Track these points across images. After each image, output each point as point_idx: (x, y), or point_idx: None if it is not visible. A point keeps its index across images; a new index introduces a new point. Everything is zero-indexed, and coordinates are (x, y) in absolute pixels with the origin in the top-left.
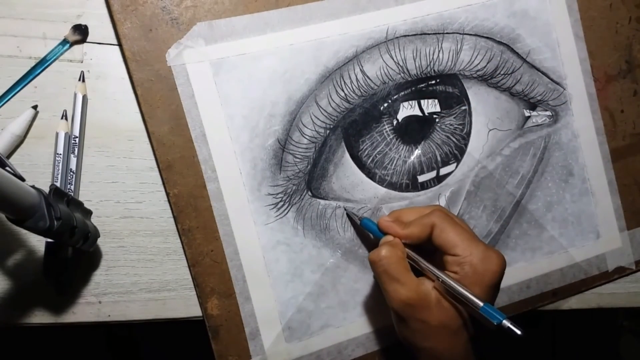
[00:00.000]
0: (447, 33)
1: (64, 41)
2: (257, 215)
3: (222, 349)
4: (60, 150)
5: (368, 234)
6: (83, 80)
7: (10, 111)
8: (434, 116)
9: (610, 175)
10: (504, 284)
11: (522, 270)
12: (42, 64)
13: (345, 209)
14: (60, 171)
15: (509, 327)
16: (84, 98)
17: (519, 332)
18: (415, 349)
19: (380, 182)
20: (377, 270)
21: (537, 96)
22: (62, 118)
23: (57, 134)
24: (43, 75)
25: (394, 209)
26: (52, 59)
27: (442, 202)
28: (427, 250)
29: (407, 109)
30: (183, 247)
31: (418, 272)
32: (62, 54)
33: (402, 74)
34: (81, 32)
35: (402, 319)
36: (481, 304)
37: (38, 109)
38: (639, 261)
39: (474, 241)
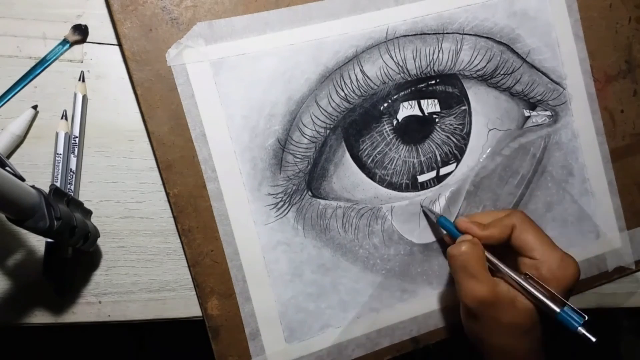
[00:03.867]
0: (447, 33)
1: (64, 41)
2: (257, 215)
3: (222, 349)
4: (60, 150)
5: (440, 231)
6: (83, 80)
7: (10, 111)
8: (434, 116)
9: (610, 176)
10: None
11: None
12: (42, 64)
13: (421, 205)
14: (60, 171)
15: (583, 334)
16: (84, 98)
17: (593, 339)
18: (483, 345)
19: (381, 182)
20: (456, 264)
21: (537, 96)
22: (62, 118)
23: (57, 134)
24: (43, 75)
25: (394, 208)
26: (52, 59)
27: (442, 202)
28: (498, 253)
29: (407, 109)
30: (183, 247)
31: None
32: (62, 54)
33: (402, 74)
34: (81, 32)
35: (474, 315)
36: (558, 309)
37: (38, 109)
38: (639, 261)
39: (552, 246)
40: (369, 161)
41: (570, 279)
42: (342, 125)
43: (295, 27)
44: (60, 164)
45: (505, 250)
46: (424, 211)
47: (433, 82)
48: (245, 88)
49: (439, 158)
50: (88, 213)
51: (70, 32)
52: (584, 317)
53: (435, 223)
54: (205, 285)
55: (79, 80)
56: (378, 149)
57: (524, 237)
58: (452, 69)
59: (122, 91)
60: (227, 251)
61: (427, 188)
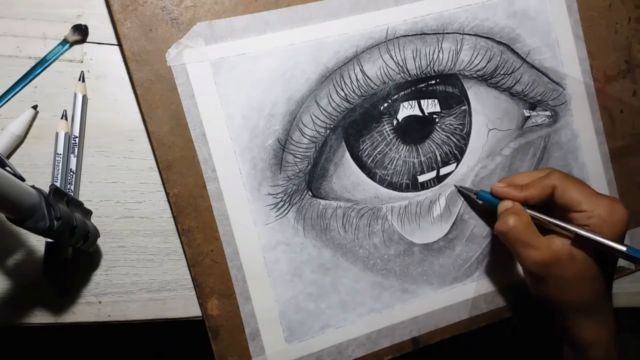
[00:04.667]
0: (447, 33)
1: (64, 41)
2: (257, 215)
3: (222, 350)
4: (60, 150)
5: (479, 206)
6: (83, 80)
7: (10, 111)
8: (434, 116)
9: (610, 175)
10: (505, 283)
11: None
12: (42, 64)
13: (455, 186)
14: (60, 171)
15: None
16: (84, 98)
17: None
18: (555, 303)
19: (381, 182)
20: (508, 239)
21: (537, 96)
22: (62, 118)
23: (57, 134)
24: (43, 75)
25: (394, 208)
26: (52, 59)
27: (442, 202)
28: (544, 210)
29: (407, 109)
30: (183, 247)
31: (543, 230)
32: (62, 54)
33: (402, 74)
34: (81, 32)
35: (539, 278)
36: (623, 248)
37: (38, 109)
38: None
39: (597, 195)
40: (369, 161)
41: (621, 222)
42: (342, 125)
43: (295, 27)
44: (60, 164)
45: (556, 208)
46: (459, 191)
47: (433, 82)
48: (245, 88)
49: (439, 158)
50: (88, 213)
51: (70, 32)
52: None
53: (475, 199)
54: (205, 285)
55: (79, 80)
56: (378, 149)
57: (568, 195)
58: (452, 69)
59: (122, 91)
60: (227, 251)
61: (427, 188)
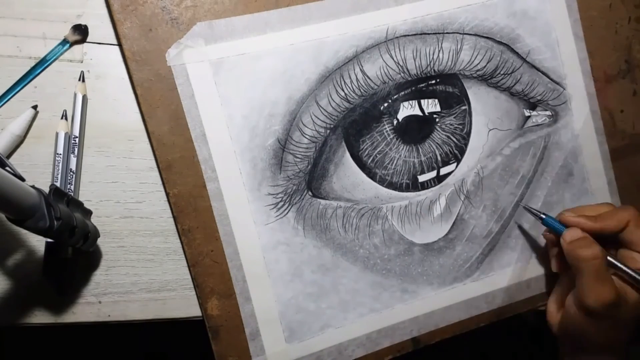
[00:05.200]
0: (447, 33)
1: (64, 41)
2: (257, 215)
3: (222, 350)
4: (60, 150)
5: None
6: (83, 80)
7: (10, 111)
8: (434, 116)
9: (610, 175)
10: (504, 283)
11: (522, 270)
12: (42, 64)
13: (523, 206)
14: (60, 171)
15: None
16: (84, 98)
17: None
18: (587, 339)
19: (381, 182)
20: (586, 267)
21: (537, 96)
22: (62, 118)
23: (57, 134)
24: (43, 75)
25: (394, 208)
26: (52, 59)
27: (442, 202)
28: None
29: (407, 109)
30: (183, 247)
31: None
32: (62, 54)
33: (402, 74)
34: (81, 32)
35: (595, 316)
36: None
37: (38, 109)
38: None
39: None
40: (369, 161)
41: None
42: (342, 125)
43: (295, 27)
44: (60, 164)
45: (618, 243)
46: (528, 210)
47: (433, 82)
48: (245, 88)
49: (439, 158)
50: (88, 213)
51: (70, 32)
52: None
53: (540, 220)
54: (205, 285)
55: (79, 80)
56: (378, 149)
57: (638, 233)
58: (452, 69)
59: (122, 91)
60: (227, 251)
61: (427, 188)
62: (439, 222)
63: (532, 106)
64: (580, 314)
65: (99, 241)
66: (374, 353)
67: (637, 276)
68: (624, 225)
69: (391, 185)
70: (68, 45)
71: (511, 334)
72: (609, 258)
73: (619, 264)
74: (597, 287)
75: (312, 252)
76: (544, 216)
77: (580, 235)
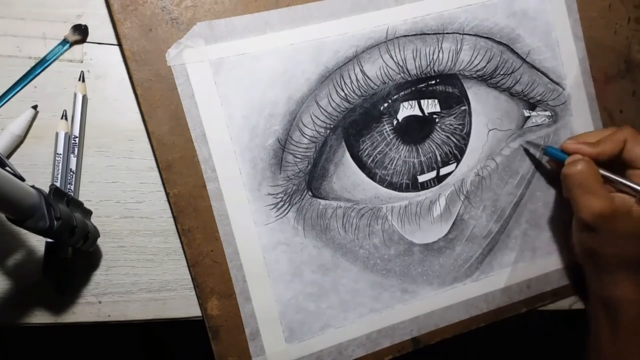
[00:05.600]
0: (447, 33)
1: (64, 41)
2: (257, 215)
3: (222, 350)
4: (60, 150)
5: (544, 166)
6: (83, 80)
7: (10, 111)
8: (434, 116)
9: None
10: (504, 283)
11: (522, 270)
12: (42, 64)
13: (522, 145)
14: (60, 171)
15: None
16: (84, 98)
17: None
18: (600, 256)
19: (381, 182)
20: (572, 183)
21: (537, 96)
22: (62, 118)
23: (57, 134)
24: (43, 75)
25: (394, 209)
26: (52, 59)
27: (442, 202)
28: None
29: (407, 109)
30: (183, 247)
31: None
32: (62, 54)
33: (402, 74)
34: (81, 32)
35: (591, 229)
36: None
37: (38, 109)
38: None
39: None
40: (369, 161)
41: None
42: (342, 125)
43: (295, 27)
44: (60, 164)
45: (610, 165)
46: (525, 148)
47: (433, 82)
48: (245, 88)
49: (439, 158)
50: (88, 213)
51: (70, 32)
52: None
53: (541, 155)
54: (205, 285)
55: (79, 80)
56: (378, 149)
57: (637, 151)
58: (452, 69)
59: (122, 91)
60: (227, 251)
61: (427, 188)
62: (439, 222)
63: (532, 106)
64: (580, 232)
65: (99, 241)
66: (374, 353)
67: (631, 184)
68: (621, 145)
69: (391, 186)
70: (68, 45)
71: (511, 334)
72: (601, 171)
73: (611, 176)
74: (585, 199)
75: (312, 252)
76: (545, 148)
77: (579, 158)
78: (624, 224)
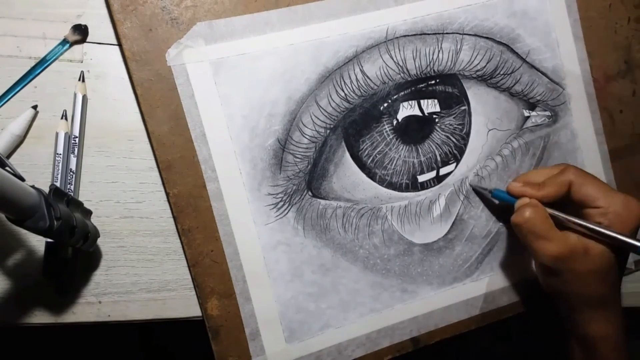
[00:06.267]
0: (446, 33)
1: (64, 41)
2: (257, 215)
3: (222, 350)
4: (60, 150)
5: (496, 205)
6: (83, 80)
7: (10, 111)
8: (434, 116)
9: (610, 176)
10: (504, 284)
11: (522, 270)
12: (42, 64)
13: (470, 185)
14: (60, 171)
15: None
16: (84, 98)
17: None
18: (567, 297)
19: (381, 182)
20: (524, 231)
21: (537, 96)
22: (62, 118)
23: (57, 134)
24: (43, 75)
25: (394, 209)
26: (52, 59)
27: (442, 202)
28: (558, 206)
29: (407, 109)
30: (183, 247)
31: (558, 227)
32: (62, 54)
33: (402, 74)
34: (81, 32)
35: (553, 272)
36: (639, 243)
37: (38, 109)
38: (639, 261)
39: (612, 191)
40: (369, 161)
41: (636, 218)
42: (342, 125)
43: (295, 27)
44: (60, 164)
45: (562, 203)
46: (474, 189)
47: (433, 82)
48: (245, 88)
49: (438, 158)
50: (88, 213)
51: (70, 32)
52: None
53: (489, 197)
54: (205, 285)
55: (79, 80)
56: (378, 149)
57: (584, 191)
58: (452, 69)
59: (122, 91)
60: (227, 251)
61: (427, 188)
62: (439, 222)
63: (532, 106)
64: (543, 275)
65: (99, 241)
66: (373, 353)
67: (579, 222)
68: (566, 188)
69: (391, 186)
70: (68, 45)
71: (511, 333)
72: (551, 211)
73: (562, 215)
74: (539, 245)
75: (312, 252)
76: (493, 191)
77: (527, 202)
78: (583, 263)
